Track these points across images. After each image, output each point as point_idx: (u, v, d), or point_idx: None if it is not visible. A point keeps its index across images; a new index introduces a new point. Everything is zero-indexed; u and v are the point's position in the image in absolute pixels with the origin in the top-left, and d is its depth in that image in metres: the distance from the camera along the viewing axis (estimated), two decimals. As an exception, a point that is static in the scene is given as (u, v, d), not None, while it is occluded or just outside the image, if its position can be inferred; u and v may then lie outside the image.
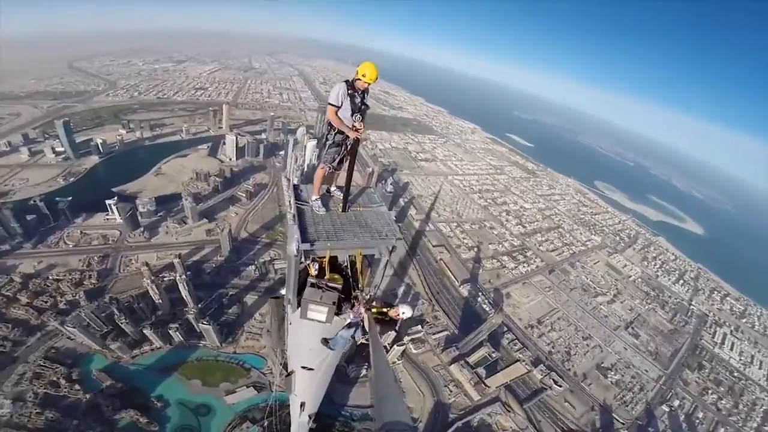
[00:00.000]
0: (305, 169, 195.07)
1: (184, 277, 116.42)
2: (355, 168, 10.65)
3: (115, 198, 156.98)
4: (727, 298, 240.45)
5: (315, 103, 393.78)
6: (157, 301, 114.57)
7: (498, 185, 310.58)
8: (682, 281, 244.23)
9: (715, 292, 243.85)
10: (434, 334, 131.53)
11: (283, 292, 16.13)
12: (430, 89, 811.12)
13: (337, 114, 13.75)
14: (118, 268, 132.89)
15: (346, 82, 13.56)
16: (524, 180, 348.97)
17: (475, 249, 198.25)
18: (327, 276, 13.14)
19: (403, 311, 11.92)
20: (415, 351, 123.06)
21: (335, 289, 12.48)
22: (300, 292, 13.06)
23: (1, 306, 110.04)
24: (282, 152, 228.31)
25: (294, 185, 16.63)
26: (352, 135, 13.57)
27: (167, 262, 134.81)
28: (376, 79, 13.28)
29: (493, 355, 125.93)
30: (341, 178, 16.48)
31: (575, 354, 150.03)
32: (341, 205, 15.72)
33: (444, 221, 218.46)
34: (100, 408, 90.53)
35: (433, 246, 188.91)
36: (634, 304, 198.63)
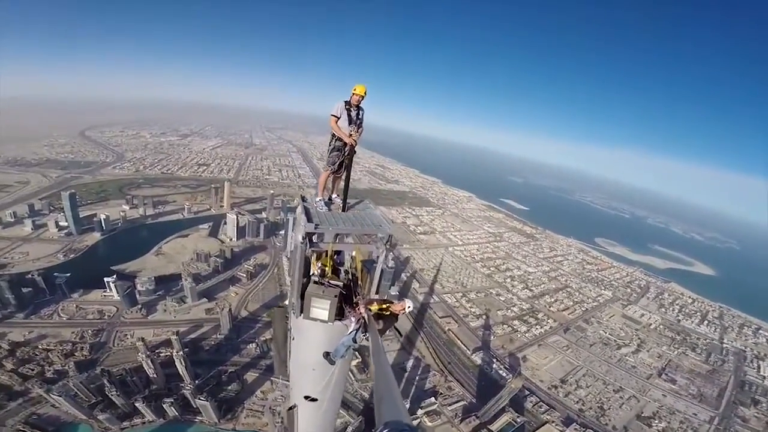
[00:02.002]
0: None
1: (181, 353, 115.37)
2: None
3: (114, 276, 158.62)
4: (760, 331, 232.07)
5: (313, 179, 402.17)
6: (151, 376, 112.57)
7: (499, 252, 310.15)
8: (706, 322, 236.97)
9: (745, 327, 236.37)
10: (450, 405, 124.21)
11: (287, 302, 16.53)
12: (422, 160, 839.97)
13: (337, 124, 15.90)
14: (112, 342, 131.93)
15: (345, 101, 15.89)
16: (524, 245, 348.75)
17: (484, 316, 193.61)
18: (329, 276, 13.52)
19: (408, 305, 11.81)
20: (430, 424, 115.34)
21: (337, 286, 12.83)
22: (303, 296, 13.19)
23: None
24: (282, 231, 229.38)
25: (302, 195, 17.44)
26: (348, 141, 15.61)
27: (164, 338, 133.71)
28: (365, 93, 15.62)
29: (518, 420, 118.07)
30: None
31: (609, 408, 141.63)
32: (341, 207, 16.55)
33: (448, 292, 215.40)
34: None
35: (440, 317, 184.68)
36: (661, 351, 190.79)
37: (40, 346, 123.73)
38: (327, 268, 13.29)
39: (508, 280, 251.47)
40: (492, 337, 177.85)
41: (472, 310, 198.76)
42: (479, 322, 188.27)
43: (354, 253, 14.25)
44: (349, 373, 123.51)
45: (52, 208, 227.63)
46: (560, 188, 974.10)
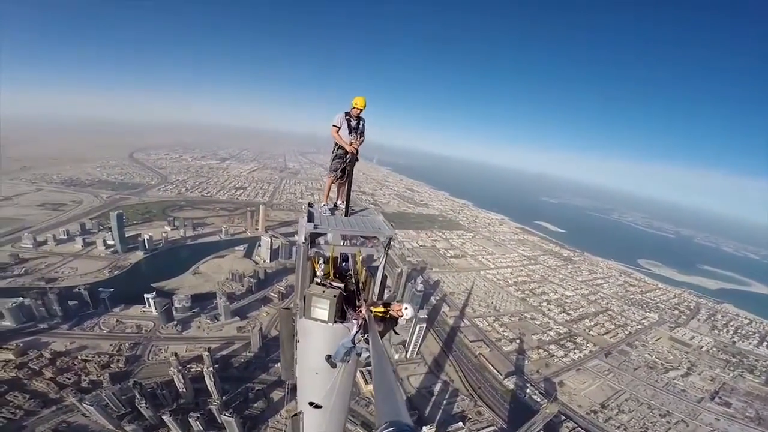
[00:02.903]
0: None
1: (211, 369, 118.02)
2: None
3: (154, 293, 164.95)
4: None
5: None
6: (180, 390, 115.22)
7: (534, 276, 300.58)
8: (765, 343, 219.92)
9: None
10: (479, 430, 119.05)
11: (292, 304, 16.71)
12: (452, 182, 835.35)
13: (338, 133, 16.84)
14: (147, 356, 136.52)
15: (345, 112, 16.86)
16: (561, 268, 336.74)
17: (518, 341, 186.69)
18: (331, 278, 13.70)
19: (406, 307, 11.81)
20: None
21: (338, 287, 12.98)
22: (305, 298, 13.36)
23: (25, 377, 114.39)
24: None
25: (309, 202, 17.64)
26: (348, 149, 16.47)
27: (196, 354, 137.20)
28: (364, 105, 16.59)
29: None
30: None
31: None
32: (344, 212, 17.00)
33: (480, 316, 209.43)
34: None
35: (471, 341, 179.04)
36: (714, 374, 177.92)
37: (79, 357, 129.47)
38: (330, 271, 13.46)
39: (544, 303, 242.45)
40: (526, 361, 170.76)
41: (505, 334, 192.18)
42: (513, 346, 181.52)
43: (357, 259, 14.30)
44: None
45: (101, 227, 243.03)
46: (597, 208, 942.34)
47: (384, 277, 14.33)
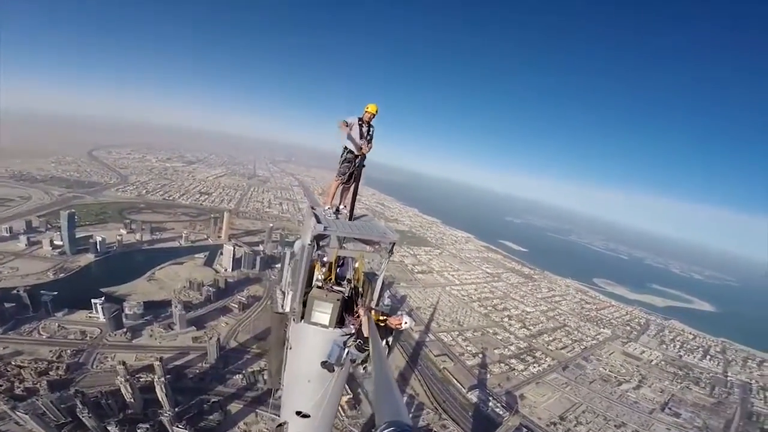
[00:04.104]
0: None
1: (162, 379, 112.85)
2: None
3: (102, 298, 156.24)
4: (765, 364, 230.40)
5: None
6: (128, 400, 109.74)
7: (497, 292, 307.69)
8: (708, 357, 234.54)
9: (749, 361, 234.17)
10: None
11: (280, 308, 16.19)
12: (422, 198, 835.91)
13: (350, 132, 16.69)
14: (91, 364, 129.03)
15: (359, 117, 16.83)
16: (522, 285, 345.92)
17: (480, 355, 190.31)
18: (333, 282, 13.94)
19: (406, 321, 11.78)
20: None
21: (340, 291, 13.09)
22: (304, 303, 13.35)
23: None
24: (278, 265, 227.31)
25: (311, 205, 18.26)
26: (358, 152, 16.54)
27: (146, 363, 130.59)
28: (376, 111, 16.72)
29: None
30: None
31: None
32: (348, 217, 16.92)
33: (445, 331, 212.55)
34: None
35: (435, 356, 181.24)
36: (663, 386, 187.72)
37: (12, 362, 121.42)
38: (331, 276, 13.54)
39: (506, 319, 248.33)
40: (488, 375, 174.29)
41: (469, 348, 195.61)
42: (475, 360, 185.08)
43: (357, 265, 14.38)
44: (339, 409, 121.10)
45: (49, 226, 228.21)
46: (558, 229, 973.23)
47: (384, 283, 14.15)
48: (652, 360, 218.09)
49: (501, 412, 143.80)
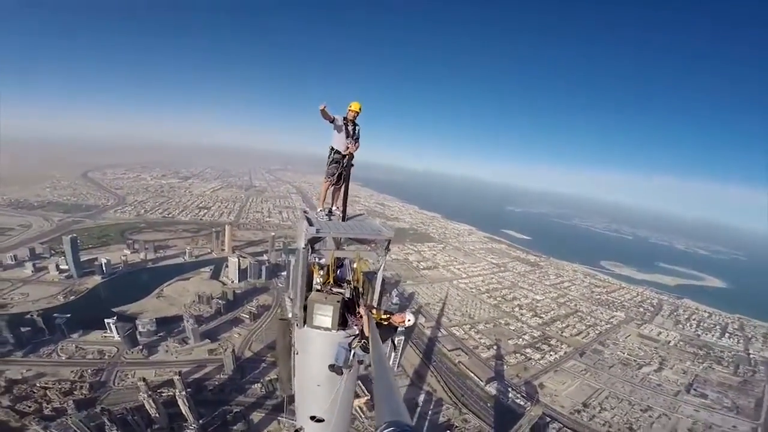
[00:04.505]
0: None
1: (184, 393, 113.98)
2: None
3: (115, 317, 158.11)
4: None
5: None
6: (153, 415, 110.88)
7: (505, 282, 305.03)
8: (727, 334, 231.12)
9: None
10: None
11: (290, 315, 16.02)
12: (421, 195, 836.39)
13: (333, 128, 16.13)
14: (113, 382, 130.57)
15: (343, 116, 16.23)
16: (530, 273, 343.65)
17: (495, 347, 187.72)
18: (331, 284, 13.86)
19: (409, 318, 11.57)
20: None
21: (340, 293, 13.01)
22: (305, 307, 13.33)
23: None
24: (284, 273, 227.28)
25: (304, 210, 17.33)
26: (344, 151, 16.08)
27: (166, 378, 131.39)
28: (360, 109, 16.19)
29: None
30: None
31: (639, 428, 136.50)
32: (341, 218, 16.87)
33: (456, 325, 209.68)
34: None
35: (449, 350, 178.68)
36: (685, 367, 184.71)
37: (38, 384, 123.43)
38: (330, 279, 13.46)
39: (517, 309, 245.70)
40: (505, 366, 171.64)
41: (482, 341, 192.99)
42: (490, 352, 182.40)
43: (355, 265, 14.40)
44: (358, 410, 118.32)
45: (53, 251, 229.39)
46: (559, 215, 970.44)
47: (383, 281, 13.87)
48: (669, 341, 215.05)
49: (522, 403, 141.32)
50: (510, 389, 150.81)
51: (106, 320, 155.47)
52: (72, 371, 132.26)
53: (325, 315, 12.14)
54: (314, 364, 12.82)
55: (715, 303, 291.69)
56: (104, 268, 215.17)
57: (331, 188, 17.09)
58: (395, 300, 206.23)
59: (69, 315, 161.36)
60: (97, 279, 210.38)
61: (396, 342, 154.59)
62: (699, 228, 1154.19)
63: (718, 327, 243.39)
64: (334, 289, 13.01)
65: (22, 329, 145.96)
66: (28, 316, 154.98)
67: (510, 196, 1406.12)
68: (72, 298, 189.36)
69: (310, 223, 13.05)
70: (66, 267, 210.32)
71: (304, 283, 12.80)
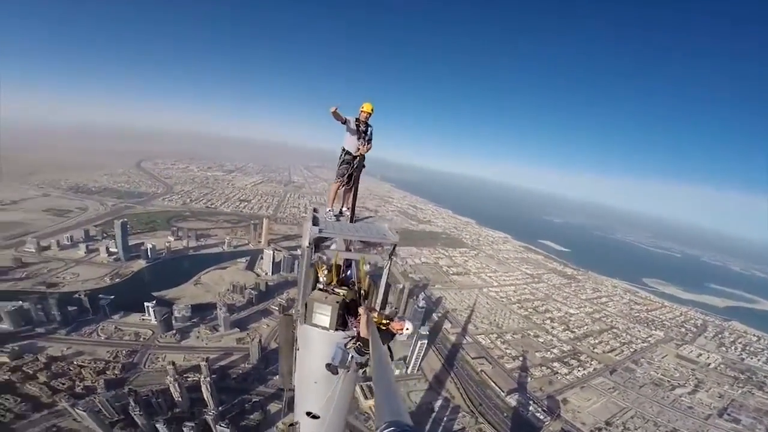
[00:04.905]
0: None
1: (208, 379, 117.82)
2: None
3: (154, 302, 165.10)
4: None
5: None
6: (176, 399, 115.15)
7: (538, 294, 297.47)
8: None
9: None
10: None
11: (293, 311, 16.25)
12: (455, 199, 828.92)
13: (346, 130, 16.65)
14: (144, 364, 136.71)
15: (356, 118, 16.74)
16: (565, 286, 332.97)
17: (520, 358, 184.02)
18: (334, 284, 13.81)
19: (408, 327, 11.48)
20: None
21: (341, 294, 13.04)
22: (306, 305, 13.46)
23: (18, 381, 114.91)
24: None
25: (314, 207, 17.91)
26: (355, 153, 16.60)
27: (194, 364, 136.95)
28: (372, 110, 16.61)
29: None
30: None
31: None
32: (350, 218, 17.09)
33: (482, 333, 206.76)
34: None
35: (472, 358, 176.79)
36: (723, 391, 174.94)
37: (75, 362, 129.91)
38: (334, 278, 13.53)
39: (548, 321, 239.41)
40: (529, 378, 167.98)
41: (508, 351, 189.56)
42: (515, 363, 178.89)
43: (362, 266, 14.36)
44: (372, 410, 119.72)
45: (105, 234, 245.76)
46: (600, 227, 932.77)
47: (387, 285, 14.25)
48: (709, 363, 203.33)
49: (542, 417, 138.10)
50: (531, 402, 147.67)
51: (145, 304, 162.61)
52: (108, 351, 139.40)
53: (323, 314, 12.19)
54: (313, 361, 12.90)
55: (766, 327, 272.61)
56: (149, 253, 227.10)
57: (342, 189, 17.24)
58: (422, 303, 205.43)
59: (113, 296, 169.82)
60: (142, 263, 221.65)
61: (419, 346, 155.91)
62: (760, 249, 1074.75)
63: (766, 351, 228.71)
64: (337, 290, 12.95)
65: (69, 308, 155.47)
66: (76, 295, 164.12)
67: (548, 204, 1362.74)
68: (117, 280, 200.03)
69: (315, 223, 13.45)
70: (115, 250, 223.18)
71: (308, 280, 13.10)
